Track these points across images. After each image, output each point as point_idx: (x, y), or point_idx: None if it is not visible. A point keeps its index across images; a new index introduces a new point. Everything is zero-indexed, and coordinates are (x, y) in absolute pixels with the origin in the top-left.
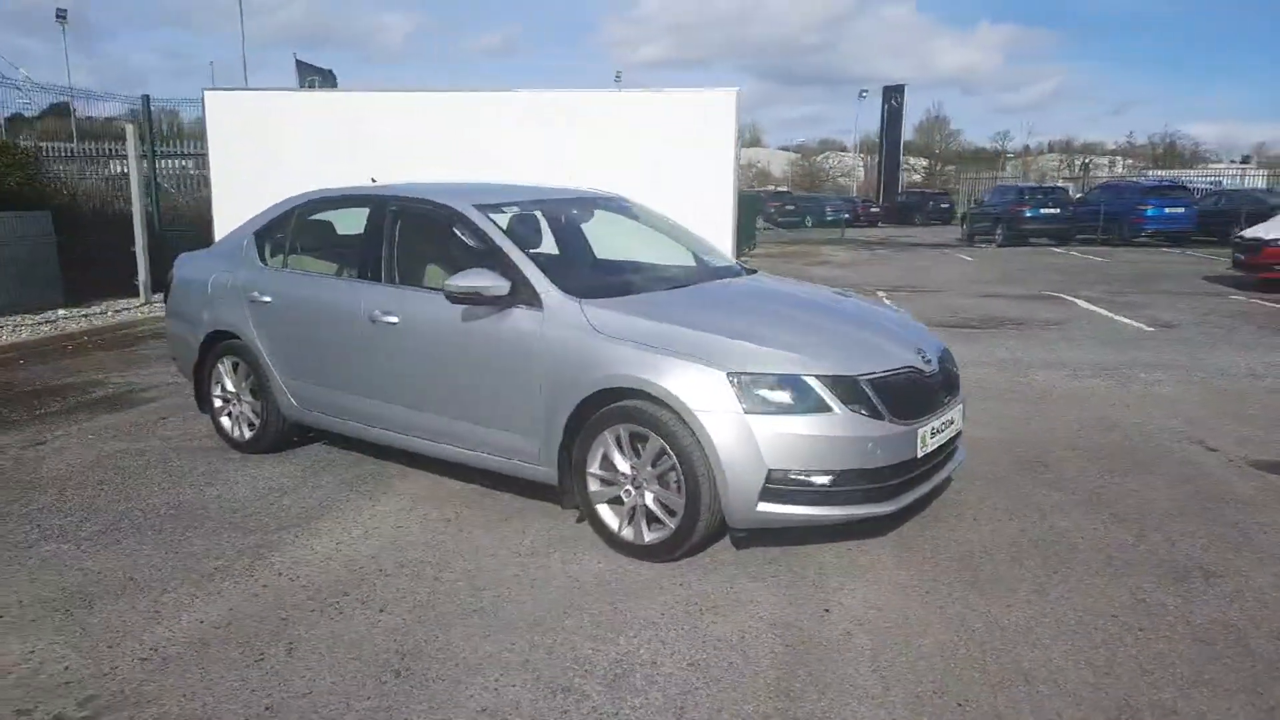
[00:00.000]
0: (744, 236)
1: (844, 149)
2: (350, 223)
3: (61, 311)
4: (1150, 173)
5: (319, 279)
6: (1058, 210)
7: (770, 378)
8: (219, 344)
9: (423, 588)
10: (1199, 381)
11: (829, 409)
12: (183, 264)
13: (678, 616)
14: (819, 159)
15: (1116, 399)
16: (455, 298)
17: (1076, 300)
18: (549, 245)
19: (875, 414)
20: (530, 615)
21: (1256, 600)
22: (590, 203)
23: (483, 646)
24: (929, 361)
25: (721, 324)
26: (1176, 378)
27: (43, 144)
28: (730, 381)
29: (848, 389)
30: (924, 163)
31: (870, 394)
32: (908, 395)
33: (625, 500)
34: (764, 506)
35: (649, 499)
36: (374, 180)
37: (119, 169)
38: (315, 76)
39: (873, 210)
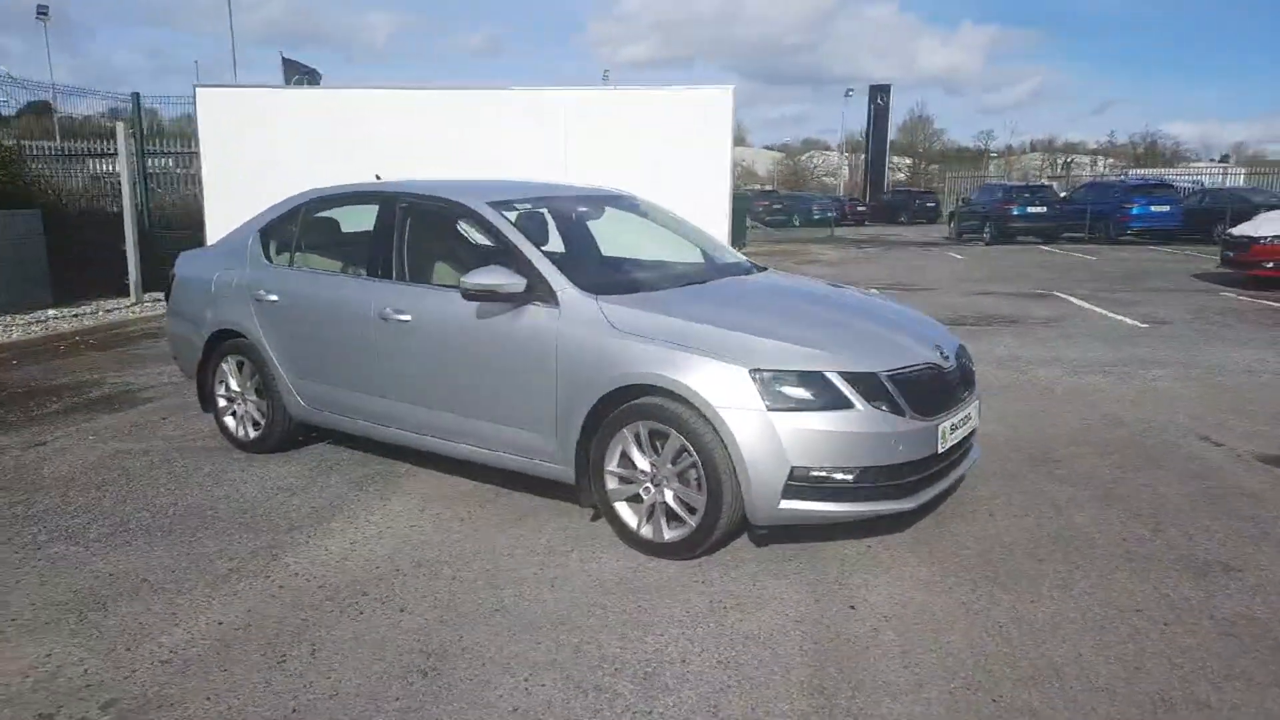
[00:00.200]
0: (735, 235)
1: (828, 148)
2: (355, 220)
3: (52, 311)
4: (1133, 172)
5: (327, 277)
6: (1045, 209)
7: (793, 374)
8: (223, 343)
9: (441, 587)
10: (1197, 378)
11: (851, 405)
12: (184, 262)
13: (703, 614)
14: (804, 158)
15: (1119, 395)
16: (471, 295)
17: (1069, 298)
18: (555, 243)
19: (897, 410)
20: (553, 614)
21: (1279, 594)
22: (601, 200)
23: (508, 646)
24: (947, 358)
25: (741, 320)
26: (1175, 374)
27: (24, 142)
28: (753, 378)
29: (870, 385)
30: (908, 162)
31: (892, 390)
32: (928, 391)
33: (644, 498)
34: (787, 504)
35: (669, 497)
36: (379, 177)
37: (101, 168)
38: (301, 75)
39: (859, 209)
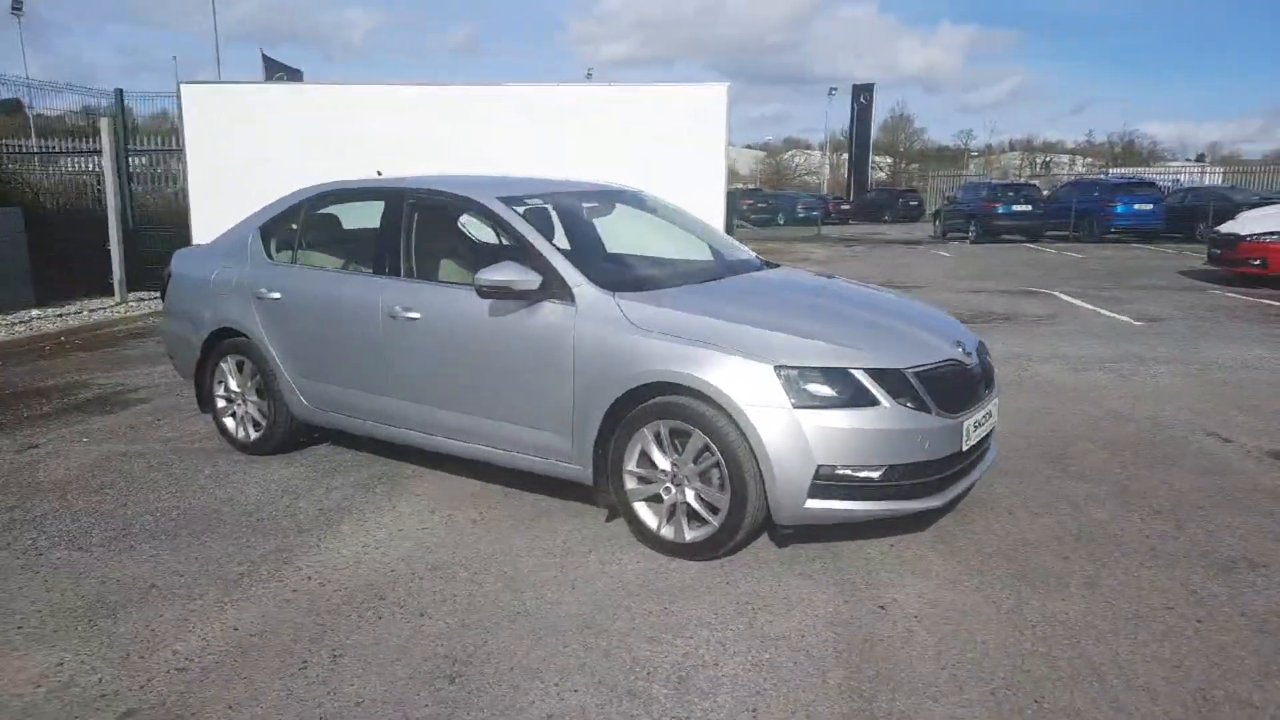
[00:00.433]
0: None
1: (809, 147)
2: (359, 217)
3: (35, 312)
4: (1113, 170)
5: (332, 274)
6: (1029, 207)
7: (818, 371)
8: (222, 342)
9: (460, 590)
10: (1196, 374)
11: (877, 402)
12: (181, 260)
13: (731, 616)
14: (786, 156)
15: (1122, 392)
16: (485, 292)
17: (1060, 295)
18: (559, 239)
19: (923, 407)
20: (578, 617)
21: None
22: (611, 195)
23: (535, 650)
24: (969, 354)
25: (761, 317)
26: (1174, 370)
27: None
28: (778, 375)
29: (895, 382)
30: (889, 161)
31: (917, 387)
32: (952, 388)
33: (665, 498)
34: (813, 503)
35: (690, 496)
36: (380, 174)
37: (78, 165)
38: (282, 73)
39: (843, 207)
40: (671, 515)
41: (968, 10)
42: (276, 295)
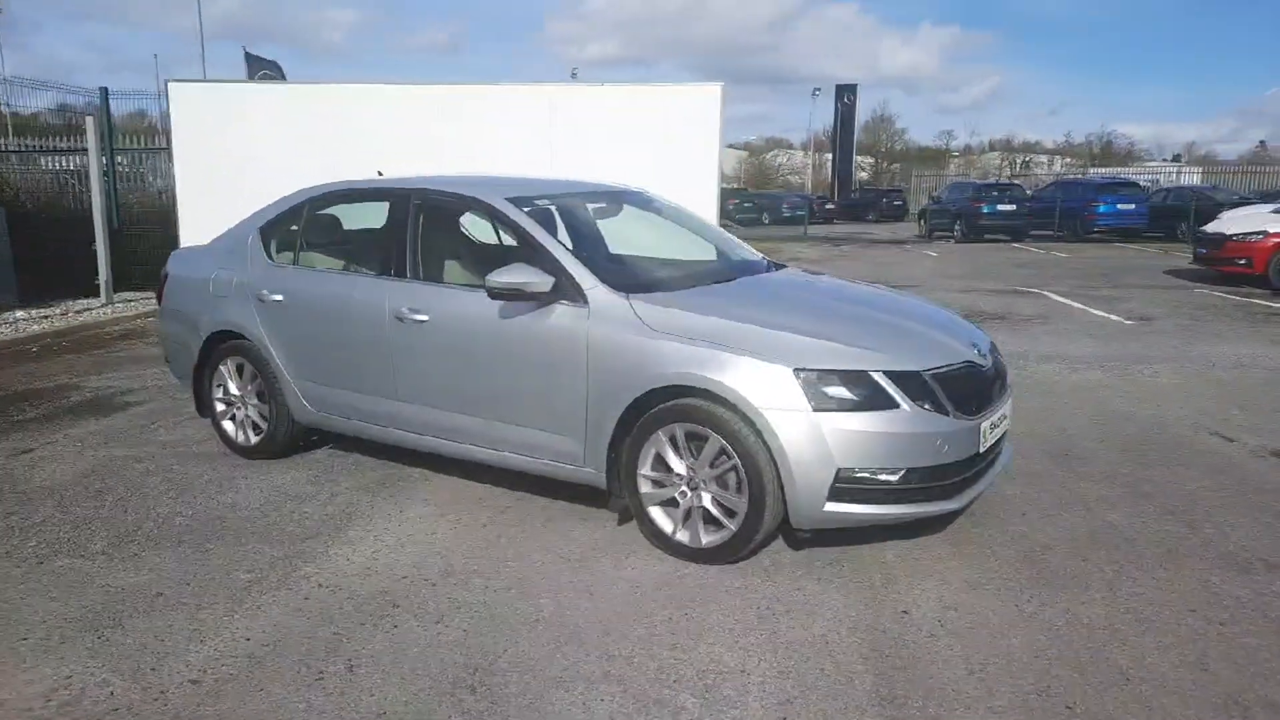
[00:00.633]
0: None
1: (791, 147)
2: (362, 218)
3: (19, 313)
4: (1091, 170)
5: (336, 276)
6: (1014, 207)
7: (837, 374)
8: (222, 345)
9: (475, 597)
10: (1193, 373)
11: (897, 405)
12: (177, 261)
13: (752, 622)
14: (768, 156)
15: (1122, 391)
16: (496, 294)
17: (1050, 295)
18: (567, 241)
19: (941, 409)
20: (597, 623)
21: None
22: (618, 196)
23: (556, 658)
24: (984, 355)
25: (777, 319)
26: (1171, 369)
27: None
28: (797, 377)
29: (914, 384)
30: (870, 161)
31: (935, 389)
32: (968, 389)
33: (680, 502)
34: (832, 506)
35: (706, 500)
36: (380, 174)
37: (55, 164)
38: (266, 70)
39: (828, 207)
40: (687, 519)
41: (948, 12)
42: (278, 297)
